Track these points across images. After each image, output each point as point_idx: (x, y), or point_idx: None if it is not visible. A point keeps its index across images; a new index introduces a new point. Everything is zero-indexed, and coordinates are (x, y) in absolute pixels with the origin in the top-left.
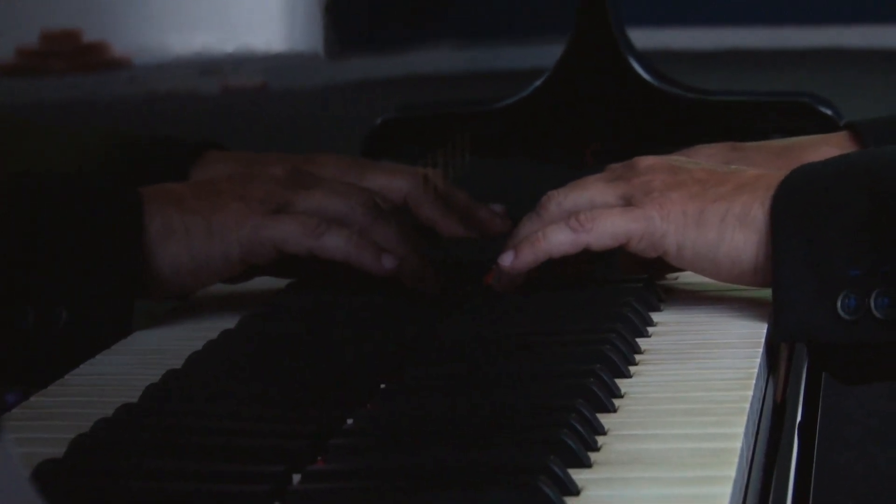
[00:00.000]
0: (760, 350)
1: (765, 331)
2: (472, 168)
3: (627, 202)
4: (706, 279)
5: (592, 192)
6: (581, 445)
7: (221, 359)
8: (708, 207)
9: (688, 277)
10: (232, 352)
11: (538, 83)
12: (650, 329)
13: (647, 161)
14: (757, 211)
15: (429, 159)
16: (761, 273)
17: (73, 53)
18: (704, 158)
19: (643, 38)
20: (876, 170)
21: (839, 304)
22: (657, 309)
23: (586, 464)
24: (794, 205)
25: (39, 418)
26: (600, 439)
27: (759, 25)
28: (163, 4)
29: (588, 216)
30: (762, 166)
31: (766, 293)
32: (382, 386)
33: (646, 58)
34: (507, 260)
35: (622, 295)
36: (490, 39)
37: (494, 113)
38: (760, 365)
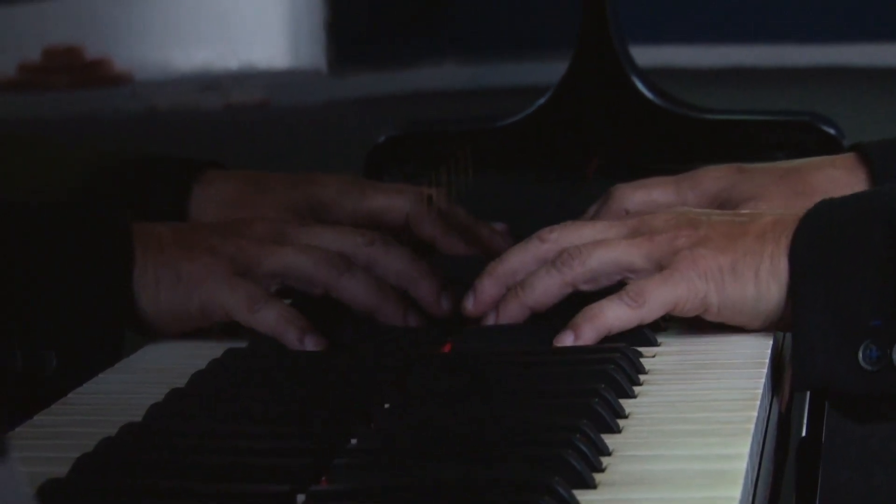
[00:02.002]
0: (765, 370)
1: (769, 351)
2: (474, 186)
3: (656, 264)
4: None
5: (619, 254)
6: (586, 466)
7: (225, 378)
8: (739, 260)
9: None
10: (236, 371)
11: (541, 101)
12: (654, 349)
13: (662, 217)
14: (784, 260)
15: (431, 177)
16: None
17: (74, 69)
18: (711, 181)
19: (646, 55)
20: None
21: (860, 354)
22: (661, 329)
23: (591, 485)
24: (814, 250)
25: (43, 437)
26: (605, 460)
27: (761, 43)
28: (165, 20)
29: (637, 291)
30: (768, 188)
31: None
32: (386, 405)
33: (648, 75)
34: (567, 341)
35: None
36: (492, 57)
37: (497, 131)
38: (765, 385)
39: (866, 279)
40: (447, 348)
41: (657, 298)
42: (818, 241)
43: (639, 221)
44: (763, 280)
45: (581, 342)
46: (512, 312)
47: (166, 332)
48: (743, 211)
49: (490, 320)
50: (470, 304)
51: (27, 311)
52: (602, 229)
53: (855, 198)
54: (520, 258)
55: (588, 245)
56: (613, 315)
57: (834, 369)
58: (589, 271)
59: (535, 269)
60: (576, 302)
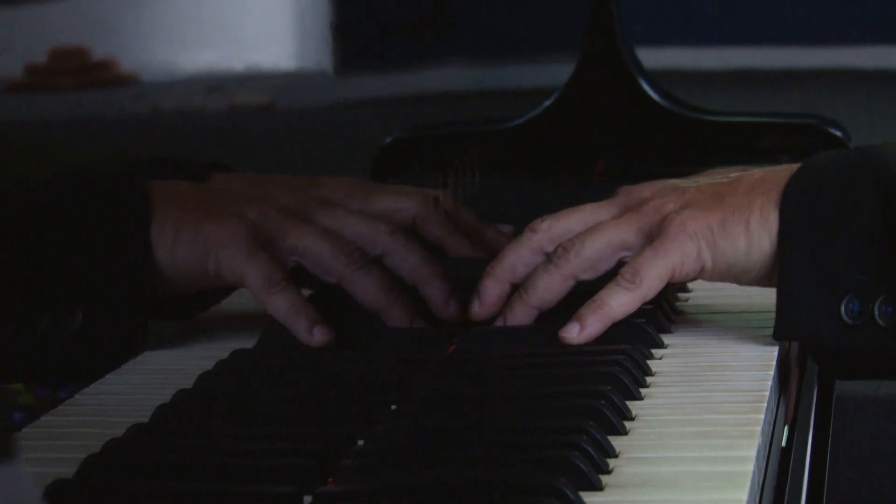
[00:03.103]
0: (771, 372)
1: (776, 353)
2: (480, 187)
3: (647, 235)
4: (715, 301)
5: (611, 236)
6: (592, 468)
7: (232, 379)
8: (728, 217)
9: (697, 300)
10: (242, 372)
11: (547, 103)
12: (660, 351)
13: (647, 188)
14: (774, 213)
15: (438, 178)
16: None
17: (80, 70)
18: None
19: (652, 57)
20: (888, 177)
21: (843, 308)
22: (667, 331)
23: (597, 487)
24: (803, 205)
25: (50, 438)
26: (611, 462)
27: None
28: (171, 22)
29: (632, 271)
30: None
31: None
32: (392, 407)
33: (654, 78)
34: (573, 332)
35: (633, 316)
36: (498, 59)
37: (503, 132)
38: (771, 387)
39: (852, 235)
40: (452, 349)
41: (653, 273)
42: (808, 196)
43: (626, 196)
44: (754, 233)
45: (586, 333)
46: (519, 316)
47: (180, 289)
48: (731, 174)
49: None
50: (476, 307)
51: (51, 272)
52: (591, 212)
53: (845, 155)
54: (516, 253)
55: (580, 234)
56: (616, 302)
57: (816, 322)
58: (585, 260)
59: (532, 261)
60: (580, 297)
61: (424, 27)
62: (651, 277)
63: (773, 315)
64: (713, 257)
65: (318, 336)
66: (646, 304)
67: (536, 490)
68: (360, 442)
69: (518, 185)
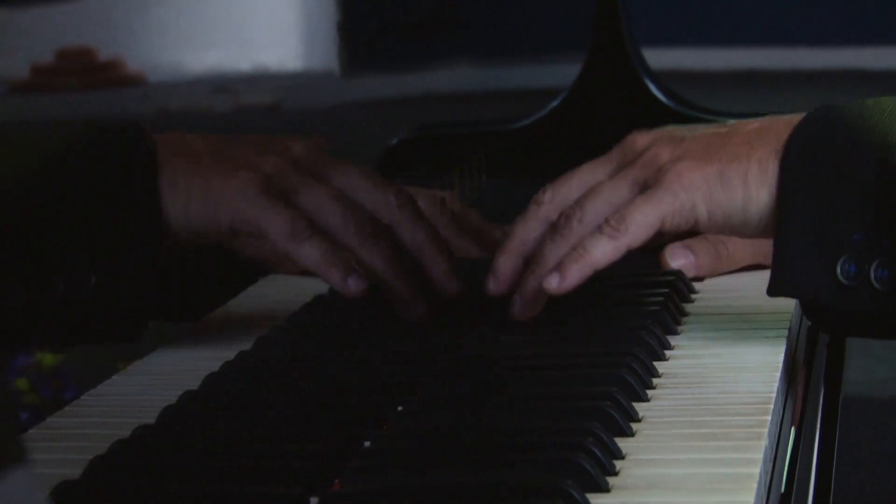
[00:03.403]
0: (778, 374)
1: (782, 355)
2: (486, 188)
3: (643, 187)
4: (721, 303)
5: (608, 195)
6: (599, 469)
7: (238, 381)
8: (726, 167)
9: (703, 301)
10: (248, 374)
11: (554, 104)
12: (667, 353)
13: (643, 139)
14: (773, 165)
15: (445, 180)
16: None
17: (87, 70)
18: None
19: (658, 58)
20: (891, 136)
21: (839, 268)
22: (674, 332)
23: (604, 488)
24: (804, 160)
25: (56, 439)
26: (618, 463)
27: (774, 46)
28: (177, 22)
29: (618, 218)
30: None
31: (785, 316)
32: (399, 408)
33: (661, 78)
34: (553, 283)
35: (639, 318)
36: (505, 60)
37: (509, 133)
38: (778, 389)
39: (851, 193)
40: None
41: (639, 221)
42: (809, 151)
43: (621, 150)
44: (752, 185)
45: (566, 283)
46: (533, 291)
47: (192, 243)
48: (729, 122)
49: (516, 304)
50: (491, 284)
51: (62, 237)
52: (590, 172)
53: (849, 110)
54: (524, 227)
55: (579, 200)
56: (598, 251)
57: (811, 281)
58: (588, 225)
59: (542, 232)
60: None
61: (430, 28)
62: (637, 225)
63: (780, 316)
64: (708, 209)
65: (352, 286)
66: (653, 305)
67: (543, 491)
68: (367, 443)
69: (524, 185)
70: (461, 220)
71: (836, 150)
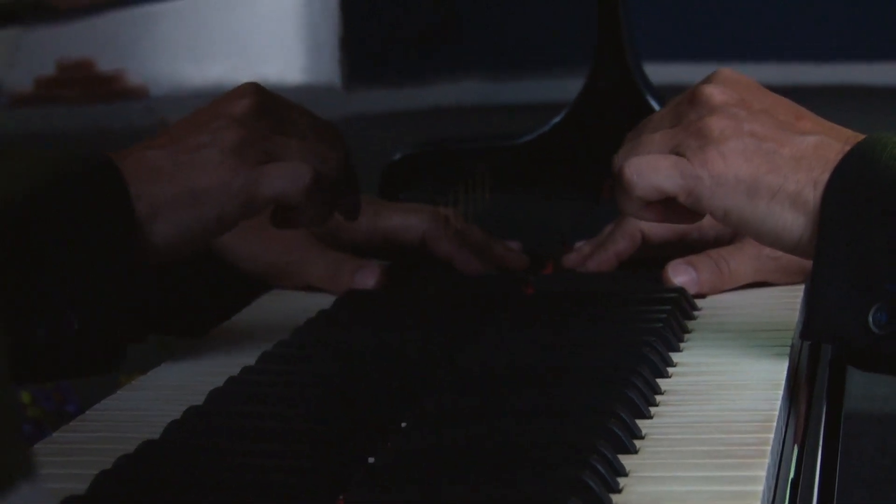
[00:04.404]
0: (781, 392)
1: (785, 371)
2: (490, 203)
3: (678, 149)
4: (724, 319)
5: (655, 180)
6: (602, 487)
7: (243, 396)
8: (761, 178)
9: (706, 318)
10: (253, 389)
11: (556, 119)
12: (670, 370)
13: (716, 95)
14: (809, 193)
15: (447, 195)
16: (800, 251)
17: (88, 83)
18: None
19: (660, 73)
20: None
21: (871, 315)
22: (676, 349)
23: None
24: (846, 200)
25: (62, 454)
26: (622, 480)
27: (774, 62)
28: (179, 35)
29: (637, 166)
30: None
31: (787, 333)
32: (403, 423)
33: (662, 93)
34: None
35: (642, 335)
36: (508, 75)
37: (512, 149)
38: (781, 407)
39: (888, 239)
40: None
41: (653, 180)
42: (851, 188)
43: (690, 100)
44: (778, 203)
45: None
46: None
47: (185, 254)
48: (801, 116)
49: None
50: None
51: (41, 281)
52: (658, 121)
53: (894, 146)
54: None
55: (629, 187)
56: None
57: (843, 325)
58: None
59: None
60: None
61: (434, 43)
62: (651, 179)
63: (782, 334)
64: (726, 208)
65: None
66: (656, 322)
67: None
68: (371, 459)
69: (527, 201)
70: (464, 235)
71: (877, 192)
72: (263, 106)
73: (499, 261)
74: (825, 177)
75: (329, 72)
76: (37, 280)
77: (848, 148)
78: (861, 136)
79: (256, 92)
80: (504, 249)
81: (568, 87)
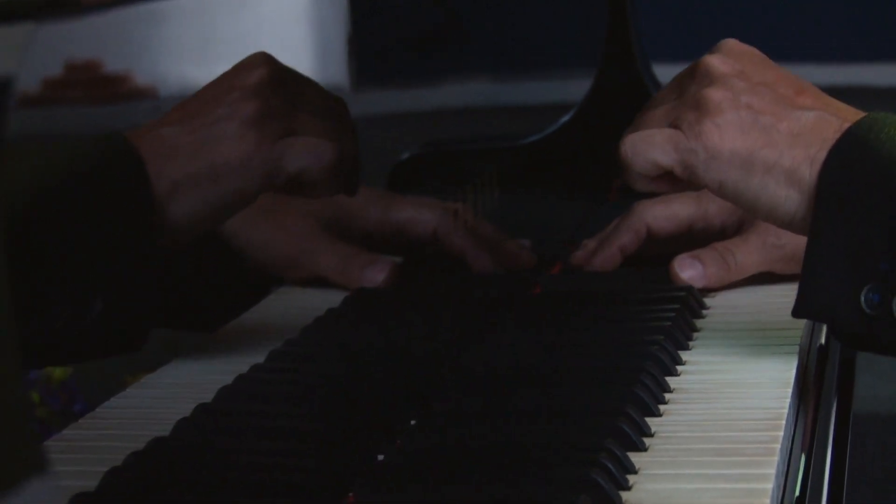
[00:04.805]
0: (790, 390)
1: (794, 370)
2: (497, 203)
3: (676, 120)
4: (733, 318)
5: (652, 156)
6: (612, 484)
7: (252, 394)
8: (756, 153)
9: (715, 317)
10: (262, 387)
11: (565, 119)
12: (679, 368)
13: (718, 66)
14: (805, 171)
15: (455, 195)
16: (794, 227)
17: (96, 84)
18: None
19: (668, 73)
20: None
21: (863, 296)
22: (685, 348)
23: (617, 503)
24: (842, 179)
25: (71, 451)
26: (631, 478)
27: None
28: (187, 35)
29: (632, 141)
30: None
31: (796, 332)
32: (412, 422)
33: None
34: None
35: (651, 334)
36: (516, 75)
37: (520, 149)
38: (790, 405)
39: (883, 220)
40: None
41: (648, 155)
42: (848, 167)
43: (693, 73)
44: (773, 178)
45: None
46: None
47: (207, 231)
48: (803, 89)
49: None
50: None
51: (62, 263)
52: (662, 98)
53: (892, 126)
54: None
55: (631, 173)
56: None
57: (834, 304)
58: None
59: None
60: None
61: (442, 43)
62: (646, 153)
63: (791, 332)
64: (720, 180)
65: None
66: (664, 321)
67: None
68: (381, 457)
69: (534, 201)
70: (476, 232)
71: (873, 172)
72: (278, 76)
73: (509, 258)
74: (822, 155)
75: (337, 72)
76: (59, 263)
77: (846, 126)
78: (861, 114)
79: (268, 61)
80: (514, 246)
81: (576, 88)
